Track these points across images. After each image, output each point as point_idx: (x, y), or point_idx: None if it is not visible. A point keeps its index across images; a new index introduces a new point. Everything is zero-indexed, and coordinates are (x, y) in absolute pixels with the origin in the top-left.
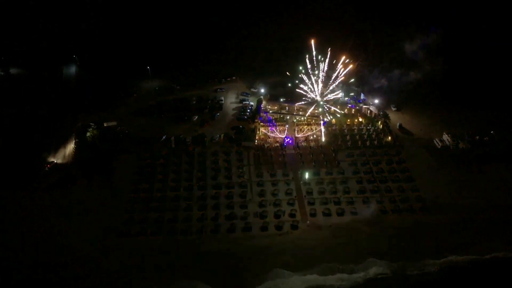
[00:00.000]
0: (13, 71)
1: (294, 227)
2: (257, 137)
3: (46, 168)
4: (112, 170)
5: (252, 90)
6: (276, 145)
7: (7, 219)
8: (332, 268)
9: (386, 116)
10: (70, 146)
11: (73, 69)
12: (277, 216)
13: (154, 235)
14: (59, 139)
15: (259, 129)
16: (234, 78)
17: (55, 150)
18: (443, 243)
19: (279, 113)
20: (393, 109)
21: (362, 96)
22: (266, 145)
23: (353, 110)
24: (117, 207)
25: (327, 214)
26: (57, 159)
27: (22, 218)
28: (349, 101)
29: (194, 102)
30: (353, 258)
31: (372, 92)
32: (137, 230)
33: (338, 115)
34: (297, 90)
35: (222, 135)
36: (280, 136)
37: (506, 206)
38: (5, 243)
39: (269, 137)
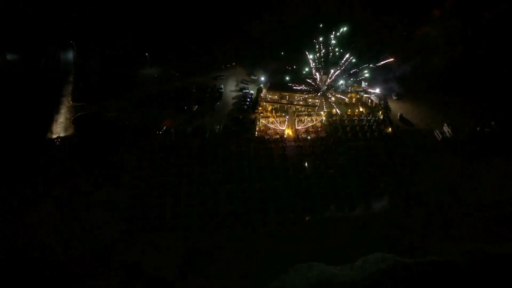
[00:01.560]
0: (10, 57)
1: (294, 223)
2: (257, 129)
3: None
4: (113, 163)
5: (252, 77)
6: (276, 137)
7: (8, 215)
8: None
9: (387, 107)
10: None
11: (71, 56)
12: (277, 211)
13: (156, 232)
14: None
15: (259, 120)
16: (233, 64)
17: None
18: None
19: (279, 102)
20: (394, 97)
21: (363, 84)
22: (266, 137)
23: (354, 99)
24: (119, 203)
25: (326, 209)
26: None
27: (23, 214)
28: (350, 89)
29: (194, 90)
30: (354, 253)
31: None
32: (140, 227)
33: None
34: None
35: (221, 127)
36: (281, 128)
37: (506, 202)
38: (6, 239)
39: (269, 129)
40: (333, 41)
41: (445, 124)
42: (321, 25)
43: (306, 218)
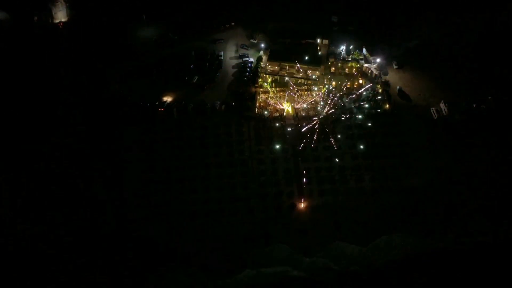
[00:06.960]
0: (1, 16)
1: (291, 208)
2: (257, 104)
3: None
4: (121, 145)
5: (252, 41)
6: (276, 115)
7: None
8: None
9: (386, 84)
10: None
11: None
12: (276, 196)
13: (160, 221)
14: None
15: (259, 94)
16: (232, 24)
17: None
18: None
19: (279, 74)
20: (395, 66)
21: (364, 51)
22: (266, 115)
23: (354, 69)
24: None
25: (322, 194)
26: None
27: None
28: (351, 57)
29: (193, 59)
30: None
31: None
32: (147, 214)
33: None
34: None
35: (222, 105)
36: (280, 105)
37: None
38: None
39: (269, 105)
40: None
41: (442, 102)
42: None
43: (303, 206)
